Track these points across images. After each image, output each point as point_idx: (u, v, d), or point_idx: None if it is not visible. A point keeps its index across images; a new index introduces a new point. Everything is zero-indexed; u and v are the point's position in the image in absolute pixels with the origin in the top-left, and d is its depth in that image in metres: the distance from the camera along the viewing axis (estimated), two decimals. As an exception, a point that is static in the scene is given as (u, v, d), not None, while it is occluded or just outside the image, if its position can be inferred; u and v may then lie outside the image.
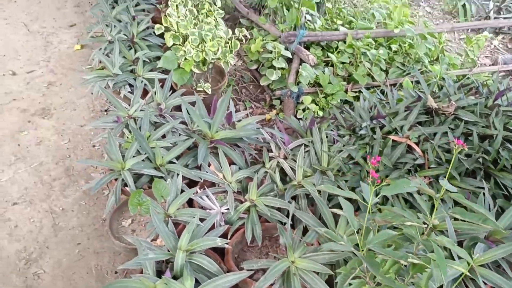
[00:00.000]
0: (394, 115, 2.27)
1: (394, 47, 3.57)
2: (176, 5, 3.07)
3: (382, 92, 3.38)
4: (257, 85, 3.72)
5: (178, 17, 2.98)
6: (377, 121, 2.24)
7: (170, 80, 2.78)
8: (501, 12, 4.68)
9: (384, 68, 3.44)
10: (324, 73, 3.38)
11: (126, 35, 3.29)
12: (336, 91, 3.30)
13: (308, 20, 3.96)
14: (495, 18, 4.60)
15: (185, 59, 2.86)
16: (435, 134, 2.15)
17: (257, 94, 3.70)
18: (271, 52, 3.50)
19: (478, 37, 3.39)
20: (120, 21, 3.49)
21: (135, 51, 3.19)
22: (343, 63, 3.46)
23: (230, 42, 2.99)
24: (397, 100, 2.46)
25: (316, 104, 3.30)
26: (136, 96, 2.67)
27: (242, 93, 3.67)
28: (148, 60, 3.10)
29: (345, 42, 3.65)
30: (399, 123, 2.18)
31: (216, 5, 3.24)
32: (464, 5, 4.81)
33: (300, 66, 3.45)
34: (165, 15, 3.04)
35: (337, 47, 3.68)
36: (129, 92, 2.91)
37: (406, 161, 2.03)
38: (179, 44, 2.92)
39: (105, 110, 3.26)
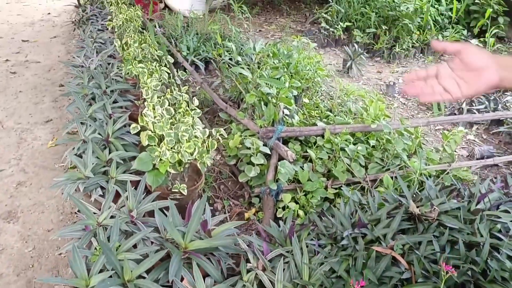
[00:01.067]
0: (376, 222, 2.18)
1: (372, 142, 3.58)
2: (153, 105, 3.05)
3: (363, 188, 3.34)
4: (236, 181, 3.64)
5: (155, 117, 2.95)
6: (359, 229, 2.14)
7: (143, 182, 2.68)
8: (473, 104, 4.82)
9: (364, 164, 3.41)
10: (303, 170, 3.33)
11: (101, 134, 3.24)
12: (315, 188, 3.23)
13: (286, 115, 4.00)
14: (468, 110, 4.73)
15: (161, 160, 2.78)
16: (419, 242, 2.06)
17: (235, 190, 3.61)
18: (249, 148, 3.46)
19: (454, 132, 3.43)
20: (95, 119, 3.45)
21: (110, 151, 3.11)
22: (321, 159, 3.43)
23: (207, 142, 2.95)
24: (379, 205, 2.39)
25: (296, 202, 3.21)
26: (107, 201, 2.55)
27: (221, 189, 3.58)
28: (122, 162, 3.02)
29: (323, 137, 3.66)
30: (382, 231, 2.09)
31: (193, 104, 3.24)
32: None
33: (278, 162, 3.41)
34: (141, 115, 3.01)
35: (315, 142, 3.67)
36: (100, 195, 2.79)
37: (392, 275, 1.91)
38: (155, 145, 2.86)
39: (76, 212, 3.11)
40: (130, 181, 2.84)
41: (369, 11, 6.91)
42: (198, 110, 3.14)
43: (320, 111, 4.13)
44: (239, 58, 4.97)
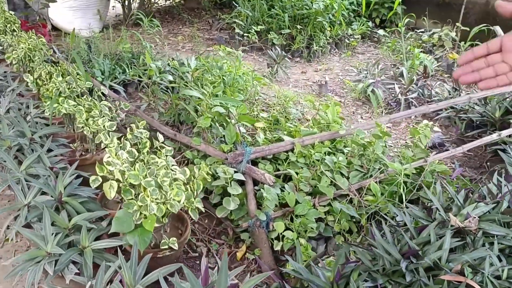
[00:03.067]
0: (422, 245, 1.99)
1: (347, 149, 3.44)
2: (115, 150, 2.55)
3: (350, 201, 3.16)
4: (211, 217, 3.25)
5: (122, 164, 2.46)
6: (408, 257, 1.93)
7: (135, 249, 2.19)
8: (407, 93, 4.94)
9: (346, 174, 3.24)
10: (286, 191, 3.06)
11: (49, 194, 2.64)
12: (307, 210, 2.98)
13: (244, 134, 3.70)
14: (405, 100, 4.83)
15: (145, 216, 2.31)
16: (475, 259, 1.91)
17: (213, 227, 3.21)
18: (217, 178, 3.08)
19: (422, 126, 3.41)
20: (34, 176, 2.83)
21: (68, 214, 2.54)
22: (304, 176, 3.18)
23: (190, 184, 2.53)
24: (414, 223, 2.21)
25: (290, 230, 2.93)
26: (97, 279, 2.04)
27: (196, 229, 3.16)
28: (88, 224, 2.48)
29: (293, 151, 3.42)
30: (435, 255, 1.90)
31: (158, 140, 2.79)
32: (373, 91, 5.00)
33: (254, 188, 3.11)
34: (100, 163, 2.49)
35: (286, 158, 3.41)
36: (77, 274, 2.24)
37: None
38: (132, 198, 2.38)
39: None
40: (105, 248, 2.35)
41: (280, 12, 6.82)
42: (169, 148, 2.70)
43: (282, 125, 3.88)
44: (170, 77, 4.54)
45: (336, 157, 3.27)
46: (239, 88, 4.56)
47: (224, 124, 3.63)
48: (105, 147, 2.60)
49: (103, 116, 3.01)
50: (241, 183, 3.16)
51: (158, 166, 2.54)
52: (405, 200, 3.06)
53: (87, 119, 3.09)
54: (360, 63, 6.42)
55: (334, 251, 2.99)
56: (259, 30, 6.79)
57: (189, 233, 2.68)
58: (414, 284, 1.81)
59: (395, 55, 6.63)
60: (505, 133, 3.56)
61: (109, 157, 2.50)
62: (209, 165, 3.24)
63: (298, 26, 6.67)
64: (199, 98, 3.54)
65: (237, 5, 7.37)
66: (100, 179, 2.54)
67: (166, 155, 2.63)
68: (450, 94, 4.84)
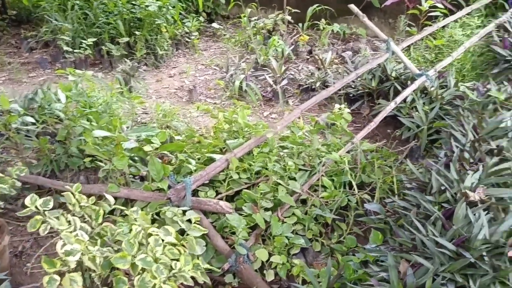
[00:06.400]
0: (461, 229, 2.00)
1: (285, 150, 3.28)
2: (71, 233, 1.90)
3: (303, 201, 3.05)
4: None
5: (86, 246, 1.84)
6: (457, 246, 1.92)
7: None
8: (282, 82, 5.00)
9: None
10: (252, 214, 2.78)
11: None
12: (280, 226, 2.76)
13: (169, 161, 3.22)
14: (281, 88, 4.88)
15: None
16: None
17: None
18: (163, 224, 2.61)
19: (342, 110, 3.47)
20: None
21: None
22: (265, 193, 2.93)
23: (182, 243, 2.06)
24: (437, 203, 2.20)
25: (273, 253, 2.67)
26: None
27: None
28: None
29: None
30: (480, 235, 1.93)
31: (109, 203, 2.19)
32: (248, 86, 4.92)
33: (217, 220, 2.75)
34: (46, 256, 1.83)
35: (225, 179, 3.10)
36: None
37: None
38: (129, 289, 1.81)
39: None
40: None
41: (111, 20, 6.14)
42: (135, 208, 2.14)
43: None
44: (31, 119, 3.65)
45: (281, 163, 3.10)
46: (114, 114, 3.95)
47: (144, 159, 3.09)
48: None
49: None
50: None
51: (131, 234, 1.99)
52: (355, 185, 3.10)
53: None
54: (212, 60, 6.26)
55: (313, 259, 2.86)
56: (91, 43, 5.98)
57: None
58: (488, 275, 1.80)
59: (238, 46, 6.65)
60: (399, 99, 3.88)
61: (65, 244, 1.85)
62: (149, 213, 2.72)
63: (137, 32, 6.11)
64: (106, 137, 2.90)
65: (50, 19, 6.34)
66: (57, 278, 1.87)
67: (136, 218, 2.07)
68: (315, 75, 5.06)
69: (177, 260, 1.90)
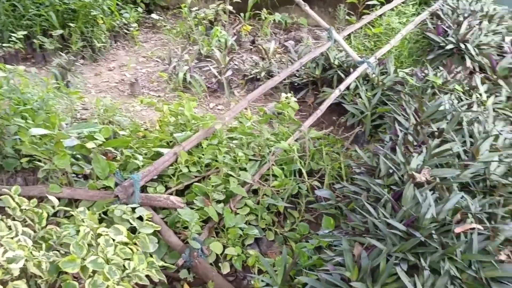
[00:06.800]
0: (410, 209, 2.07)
1: (234, 141, 3.25)
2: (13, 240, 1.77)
3: (255, 191, 3.04)
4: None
5: (30, 252, 1.73)
6: (407, 225, 1.99)
7: None
8: (226, 73, 4.96)
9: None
10: (204, 207, 2.74)
11: None
12: (233, 218, 2.74)
13: (114, 158, 3.09)
14: (226, 78, 4.85)
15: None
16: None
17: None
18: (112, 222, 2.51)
19: (289, 99, 3.48)
20: None
21: None
22: (217, 185, 2.89)
23: (134, 241, 1.99)
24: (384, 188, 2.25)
25: (228, 245, 2.65)
26: None
27: None
28: None
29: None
30: (428, 215, 2.01)
31: (52, 205, 2.06)
32: (192, 77, 4.84)
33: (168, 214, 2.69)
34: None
35: (174, 173, 3.02)
36: None
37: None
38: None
39: None
40: None
41: (43, 12, 5.80)
42: (81, 208, 2.03)
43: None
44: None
45: (230, 154, 3.08)
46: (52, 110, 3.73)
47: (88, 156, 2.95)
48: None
49: None
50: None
51: (79, 236, 1.89)
52: (305, 173, 3.14)
53: None
54: (153, 52, 6.09)
55: (267, 249, 2.87)
56: (21, 36, 5.61)
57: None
58: (439, 249, 1.87)
59: (180, 37, 6.51)
60: (343, 87, 3.96)
61: (6, 251, 1.73)
62: (96, 212, 2.61)
63: (71, 24, 5.80)
64: (45, 135, 2.73)
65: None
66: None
67: (83, 219, 1.97)
68: (259, 65, 5.06)
69: (130, 259, 1.82)
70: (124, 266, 1.77)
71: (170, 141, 3.36)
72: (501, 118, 3.11)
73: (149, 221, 2.48)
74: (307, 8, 4.47)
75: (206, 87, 4.90)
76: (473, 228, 1.92)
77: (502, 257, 1.86)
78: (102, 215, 2.60)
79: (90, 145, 2.82)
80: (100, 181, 2.82)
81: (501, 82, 3.57)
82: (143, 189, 2.87)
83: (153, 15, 6.95)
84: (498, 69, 3.77)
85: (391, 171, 2.35)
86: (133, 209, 2.60)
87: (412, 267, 1.86)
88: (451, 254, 1.83)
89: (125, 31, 6.55)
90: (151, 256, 2.06)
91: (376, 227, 2.05)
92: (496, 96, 3.34)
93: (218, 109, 4.70)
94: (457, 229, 1.91)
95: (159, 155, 3.09)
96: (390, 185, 2.32)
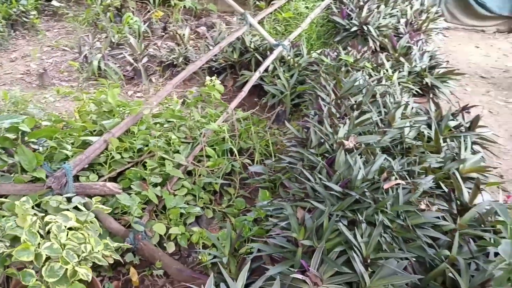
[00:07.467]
0: (342, 172, 2.29)
1: (165, 126, 3.26)
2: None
3: (189, 172, 3.10)
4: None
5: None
6: (343, 186, 2.21)
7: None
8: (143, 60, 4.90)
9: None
10: (142, 192, 2.75)
11: None
12: (172, 199, 2.79)
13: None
14: (143, 65, 4.79)
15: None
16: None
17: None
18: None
19: (214, 82, 3.56)
20: None
21: None
22: (153, 169, 2.89)
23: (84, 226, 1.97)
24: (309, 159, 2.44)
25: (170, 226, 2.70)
26: None
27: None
28: None
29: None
30: (360, 175, 2.24)
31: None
32: (107, 65, 4.71)
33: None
34: None
35: (106, 161, 2.98)
36: None
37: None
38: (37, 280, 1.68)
39: None
40: None
41: None
42: (24, 198, 1.95)
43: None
44: None
45: (162, 138, 3.10)
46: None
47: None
48: None
49: None
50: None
51: (25, 225, 1.84)
52: (236, 152, 3.26)
53: None
54: (58, 41, 5.77)
55: (207, 226, 2.95)
56: None
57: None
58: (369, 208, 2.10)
59: (86, 25, 6.24)
60: (262, 69, 4.14)
61: None
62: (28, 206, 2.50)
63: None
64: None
65: None
66: None
67: (25, 206, 1.91)
68: (176, 51, 5.06)
69: (85, 243, 1.81)
70: (80, 249, 1.76)
71: (94, 130, 3.28)
72: (405, 91, 3.50)
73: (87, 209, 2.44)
74: (221, -7, 4.55)
75: (122, 75, 4.80)
76: (398, 184, 2.19)
77: (422, 206, 2.15)
78: (35, 208, 2.50)
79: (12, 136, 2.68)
80: (27, 174, 2.69)
81: (401, 59, 3.97)
82: (75, 179, 2.79)
83: (54, 2, 6.59)
84: (398, 47, 4.19)
85: (322, 141, 2.56)
86: (69, 199, 2.54)
87: (351, 222, 2.07)
88: (382, 208, 2.07)
89: (24, 19, 6.11)
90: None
91: (315, 191, 2.24)
92: (400, 71, 3.73)
93: (137, 96, 4.63)
94: (385, 186, 2.17)
95: (86, 144, 3.02)
96: (322, 154, 2.52)
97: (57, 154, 2.94)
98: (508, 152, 3.78)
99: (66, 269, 1.66)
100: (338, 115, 2.85)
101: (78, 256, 1.77)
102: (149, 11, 6.35)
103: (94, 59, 4.73)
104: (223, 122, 3.49)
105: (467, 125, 2.94)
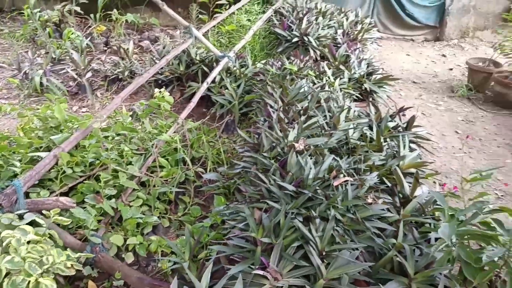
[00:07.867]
0: (293, 173, 2.42)
1: (117, 138, 3.25)
2: None
3: (143, 184, 3.12)
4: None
5: None
6: (296, 186, 2.33)
7: None
8: (86, 74, 4.84)
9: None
10: (97, 205, 2.74)
11: None
12: (128, 210, 2.79)
13: None
14: (87, 80, 4.75)
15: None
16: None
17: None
18: None
19: (163, 93, 3.59)
20: None
21: None
22: (107, 181, 2.88)
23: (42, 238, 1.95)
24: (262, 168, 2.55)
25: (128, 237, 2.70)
26: None
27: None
28: None
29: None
30: (311, 175, 2.38)
31: None
32: (49, 81, 4.62)
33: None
34: None
35: (57, 176, 2.94)
36: None
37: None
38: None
39: None
40: None
41: None
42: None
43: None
44: None
45: (114, 151, 3.09)
46: None
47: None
48: None
49: None
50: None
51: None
52: (189, 161, 3.32)
53: None
54: (-6, 58, 5.56)
55: (164, 235, 2.98)
56: None
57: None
58: (322, 204, 2.24)
59: (23, 41, 6.05)
60: (209, 80, 4.22)
61: None
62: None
63: None
64: None
65: None
66: None
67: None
68: (120, 65, 5.04)
69: (46, 255, 1.80)
70: (42, 261, 1.75)
71: (41, 146, 3.22)
72: (347, 96, 3.72)
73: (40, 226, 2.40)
74: (165, 7, 4.61)
75: (66, 90, 4.71)
76: (346, 181, 2.35)
77: (369, 200, 2.32)
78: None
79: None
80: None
81: (341, 67, 4.21)
82: (25, 196, 2.73)
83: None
84: (337, 56, 4.43)
85: (274, 145, 2.69)
86: (21, 216, 2.48)
87: (306, 219, 2.19)
88: (334, 203, 2.22)
89: (-46, 36, 5.84)
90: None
91: (270, 192, 2.35)
92: (341, 78, 3.95)
93: (83, 112, 4.56)
94: (335, 183, 2.32)
95: (34, 160, 2.96)
96: (275, 157, 2.65)
97: (5, 171, 2.86)
98: (440, 149, 4.10)
99: (29, 281, 1.65)
100: (287, 120, 2.99)
101: (41, 268, 1.76)
102: (90, 26, 6.27)
103: (36, 75, 4.61)
104: (174, 132, 3.54)
105: (404, 126, 3.18)
